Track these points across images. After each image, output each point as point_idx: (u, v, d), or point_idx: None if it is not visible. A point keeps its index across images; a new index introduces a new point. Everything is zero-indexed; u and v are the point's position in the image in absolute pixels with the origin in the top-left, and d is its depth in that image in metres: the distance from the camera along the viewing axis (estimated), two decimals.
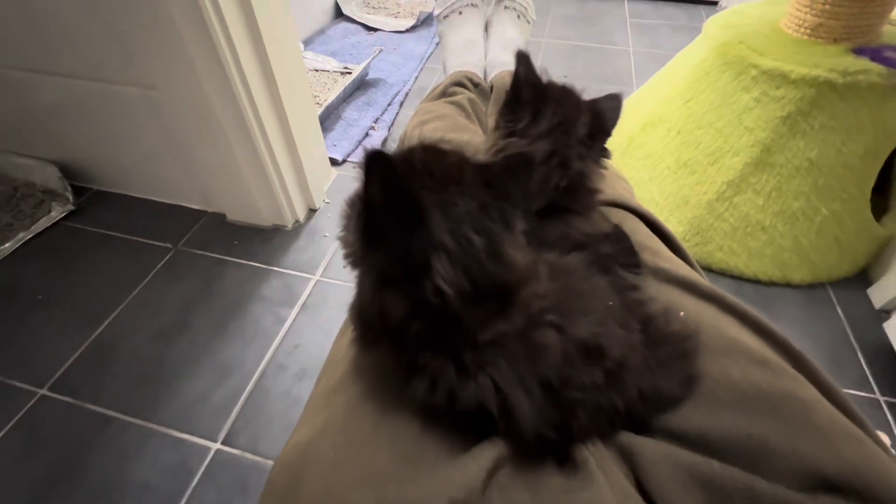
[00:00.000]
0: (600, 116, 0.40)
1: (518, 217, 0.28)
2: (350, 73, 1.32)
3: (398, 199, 0.25)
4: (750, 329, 0.39)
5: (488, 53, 1.05)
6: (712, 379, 0.34)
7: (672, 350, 0.36)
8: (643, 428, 0.34)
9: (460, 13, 1.10)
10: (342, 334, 0.43)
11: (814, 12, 0.72)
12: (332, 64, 1.37)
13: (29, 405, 0.70)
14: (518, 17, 1.11)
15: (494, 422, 0.31)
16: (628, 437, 0.32)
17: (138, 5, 0.65)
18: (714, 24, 0.84)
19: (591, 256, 0.38)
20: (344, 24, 1.65)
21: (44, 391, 0.71)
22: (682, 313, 0.40)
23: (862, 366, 0.72)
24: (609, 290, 0.37)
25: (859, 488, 0.26)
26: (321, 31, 1.61)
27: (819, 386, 0.34)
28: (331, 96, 1.20)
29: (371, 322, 0.33)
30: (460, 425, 0.32)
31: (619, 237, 0.43)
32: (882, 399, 0.68)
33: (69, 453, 0.65)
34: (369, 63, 1.31)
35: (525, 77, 0.40)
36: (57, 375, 0.73)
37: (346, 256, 0.30)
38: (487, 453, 0.30)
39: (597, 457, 0.31)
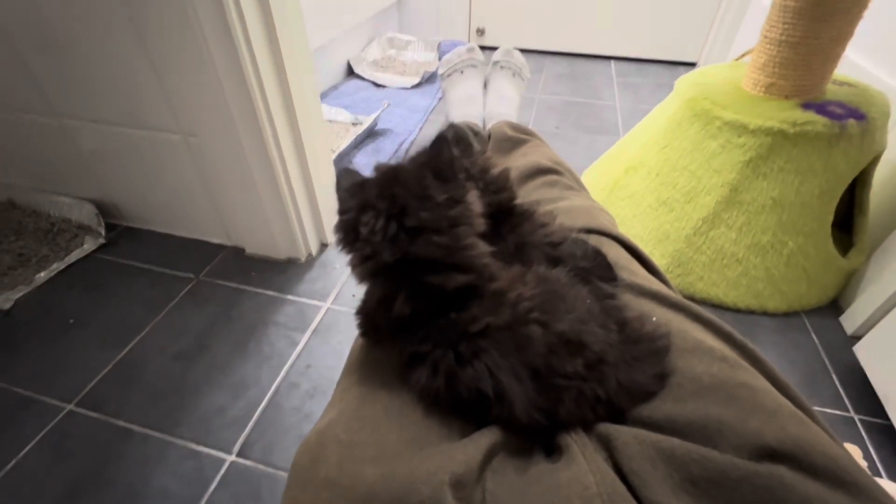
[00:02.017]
0: (459, 139, 0.47)
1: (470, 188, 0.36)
2: (361, 123, 1.45)
3: (360, 187, 0.36)
4: (713, 333, 0.43)
5: (486, 107, 1.17)
6: (680, 374, 0.38)
7: (646, 348, 0.40)
8: (621, 419, 0.37)
9: (462, 72, 1.24)
10: (355, 343, 0.48)
11: (766, 74, 0.84)
12: (345, 116, 1.50)
13: (57, 419, 0.74)
14: (513, 75, 1.24)
15: (489, 409, 0.35)
16: (606, 426, 0.36)
17: (189, 65, 0.76)
18: (684, 83, 0.96)
19: (572, 270, 0.45)
20: (355, 81, 1.81)
21: (71, 406, 0.76)
22: (654, 318, 0.46)
23: (836, 386, 0.77)
24: (589, 296, 0.43)
25: (799, 456, 0.29)
26: (335, 87, 1.77)
27: (772, 380, 0.37)
28: (343, 144, 1.32)
29: (375, 319, 0.38)
30: (459, 412, 0.36)
31: (596, 254, 0.50)
32: (856, 417, 0.72)
33: (94, 463, 0.69)
34: (378, 115, 1.43)
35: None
36: (84, 392, 0.78)
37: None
38: (484, 439, 0.34)
39: (579, 443, 0.34)
